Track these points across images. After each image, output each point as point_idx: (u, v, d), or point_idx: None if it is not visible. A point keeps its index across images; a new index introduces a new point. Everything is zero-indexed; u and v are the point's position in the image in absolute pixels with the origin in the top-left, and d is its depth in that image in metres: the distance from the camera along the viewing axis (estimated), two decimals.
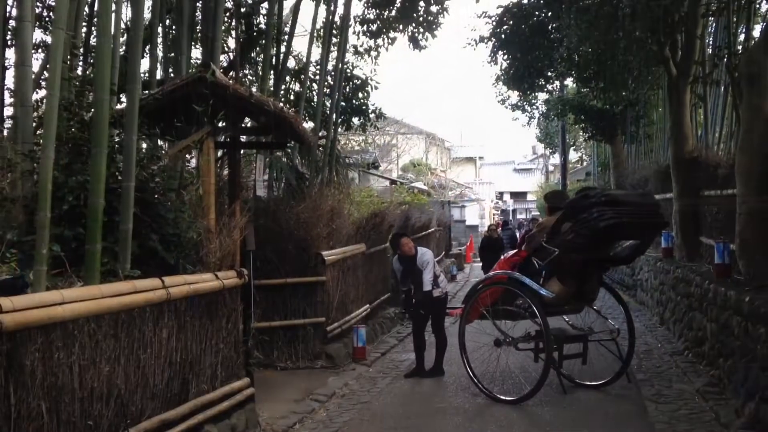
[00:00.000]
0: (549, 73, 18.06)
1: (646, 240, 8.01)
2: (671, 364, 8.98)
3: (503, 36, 16.52)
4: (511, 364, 8.15)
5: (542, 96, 22.66)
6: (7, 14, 8.54)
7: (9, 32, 9.02)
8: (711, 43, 12.64)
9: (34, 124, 6.13)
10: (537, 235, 7.96)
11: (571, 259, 7.48)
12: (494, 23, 16.60)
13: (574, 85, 22.39)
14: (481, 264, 19.18)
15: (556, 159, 40.94)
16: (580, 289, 7.75)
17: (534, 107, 23.74)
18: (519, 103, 22.81)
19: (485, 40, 17.09)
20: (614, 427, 6.63)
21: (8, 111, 8.25)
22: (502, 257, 8.77)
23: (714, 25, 12.31)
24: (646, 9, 9.70)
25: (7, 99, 8.84)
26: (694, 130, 12.16)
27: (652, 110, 18.83)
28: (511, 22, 16.14)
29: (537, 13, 15.83)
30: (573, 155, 40.13)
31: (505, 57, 17.24)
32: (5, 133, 7.28)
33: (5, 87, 8.63)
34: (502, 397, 7.55)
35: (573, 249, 7.33)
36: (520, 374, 7.98)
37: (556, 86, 21.78)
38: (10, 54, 9.64)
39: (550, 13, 15.27)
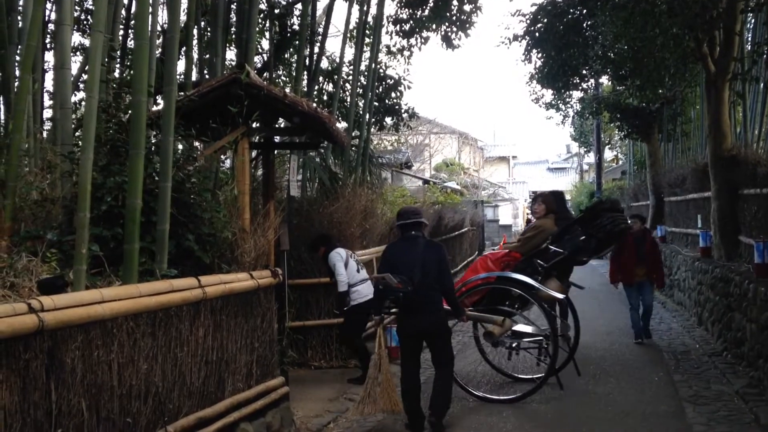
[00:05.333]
0: (584, 71, 17.87)
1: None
2: (710, 365, 8.86)
3: (537, 34, 16.39)
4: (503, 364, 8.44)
5: (577, 94, 22.43)
6: (47, 18, 8.70)
7: (48, 35, 9.21)
8: (750, 39, 12.42)
9: (73, 126, 6.25)
10: (536, 237, 8.07)
11: (576, 260, 8.03)
12: (528, 21, 16.48)
13: (610, 83, 22.15)
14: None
15: (590, 158, 40.53)
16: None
17: (568, 106, 23.47)
18: (553, 102, 22.58)
19: (519, 39, 16.97)
20: (651, 428, 6.55)
21: (48, 113, 8.42)
22: (483, 256, 8.68)
23: (753, 21, 12.09)
24: (683, 5, 9.56)
25: (47, 101, 9.03)
26: (732, 128, 11.95)
27: (689, 108, 18.56)
28: (546, 20, 16.01)
29: (572, 10, 15.68)
30: (608, 154, 39.73)
31: (539, 55, 17.10)
32: (45, 134, 7.42)
33: (45, 89, 8.79)
34: (496, 397, 7.61)
35: (584, 251, 7.86)
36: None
37: (591, 84, 21.54)
38: (50, 57, 9.85)
39: (585, 11, 15.12)
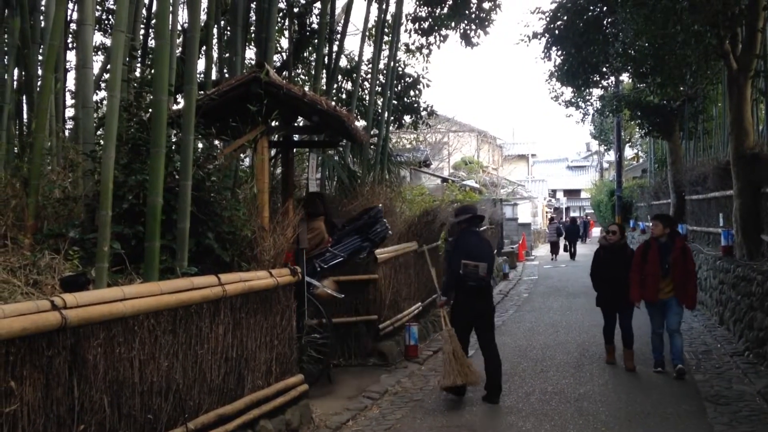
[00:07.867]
0: (604, 69, 17.77)
1: None
2: (731, 364, 8.78)
3: (557, 32, 16.33)
4: None
5: (597, 92, 22.31)
6: (69, 18, 8.79)
7: (70, 35, 9.30)
8: None
9: (95, 125, 6.30)
10: (314, 239, 8.31)
11: (350, 262, 8.69)
12: (548, 19, 16.42)
13: (630, 80, 21.99)
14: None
15: (611, 156, 40.29)
16: None
17: (588, 103, 23.35)
18: (573, 100, 22.46)
19: (538, 36, 16.91)
20: (672, 427, 6.50)
21: (70, 112, 8.51)
22: None
23: None
24: (705, 2, 9.49)
25: (69, 100, 9.12)
26: (755, 126, 11.83)
27: (711, 105, 18.39)
28: (566, 18, 15.94)
29: (592, 7, 15.60)
30: (628, 152, 39.49)
31: (559, 53, 17.03)
32: (67, 133, 7.50)
33: (67, 88, 8.88)
34: None
35: (360, 253, 8.63)
36: None
37: (612, 82, 21.40)
38: (72, 56, 9.96)
39: (605, 8, 15.05)
